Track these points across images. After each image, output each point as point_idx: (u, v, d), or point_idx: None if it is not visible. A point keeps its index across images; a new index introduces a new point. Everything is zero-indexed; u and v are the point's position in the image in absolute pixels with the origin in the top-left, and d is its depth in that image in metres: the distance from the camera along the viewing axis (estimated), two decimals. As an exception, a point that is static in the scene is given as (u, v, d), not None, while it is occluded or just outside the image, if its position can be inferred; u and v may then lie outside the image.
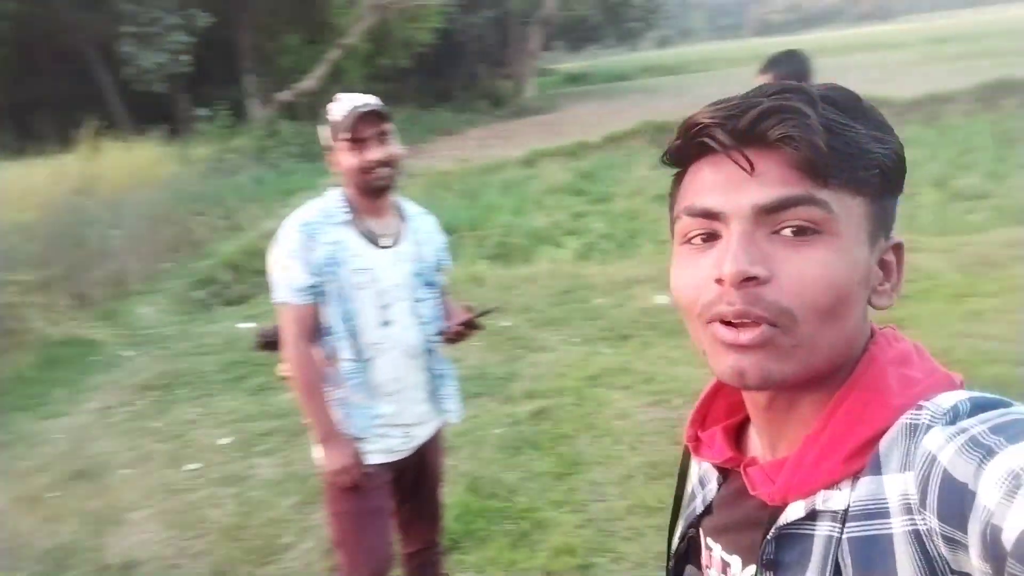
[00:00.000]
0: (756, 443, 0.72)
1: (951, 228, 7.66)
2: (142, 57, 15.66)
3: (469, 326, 2.10)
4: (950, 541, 0.52)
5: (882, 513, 0.56)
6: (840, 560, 0.58)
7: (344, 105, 1.96)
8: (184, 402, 4.81)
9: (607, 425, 3.90)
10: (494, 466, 3.60)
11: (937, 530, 0.52)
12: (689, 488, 0.82)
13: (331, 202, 2.03)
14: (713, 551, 0.74)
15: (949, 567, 0.53)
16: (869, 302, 0.63)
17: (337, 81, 20.95)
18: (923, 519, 0.54)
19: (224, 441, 4.19)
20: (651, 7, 37.67)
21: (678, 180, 0.68)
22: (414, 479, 2.23)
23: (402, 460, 2.14)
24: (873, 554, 0.56)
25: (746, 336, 0.59)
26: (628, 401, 4.15)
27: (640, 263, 6.71)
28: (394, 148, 2.01)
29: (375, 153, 1.95)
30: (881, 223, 0.63)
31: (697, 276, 0.62)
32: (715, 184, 0.62)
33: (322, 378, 2.02)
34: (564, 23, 32.81)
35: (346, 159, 1.97)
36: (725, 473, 0.75)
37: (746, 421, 0.75)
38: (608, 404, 4.14)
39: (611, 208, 9.72)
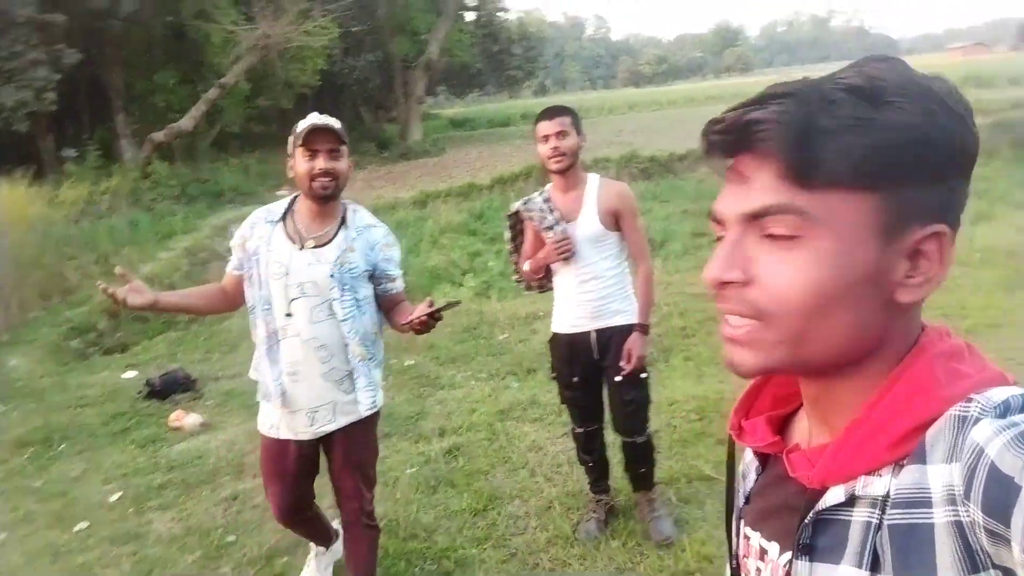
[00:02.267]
0: (800, 433, 0.74)
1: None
2: (3, 94, 14.63)
3: (432, 316, 2.20)
4: (993, 534, 0.52)
5: (925, 502, 0.56)
6: (879, 546, 0.58)
7: (307, 120, 2.32)
8: (66, 458, 4.44)
9: (521, 458, 3.91)
10: (411, 506, 3.53)
11: (980, 523, 0.52)
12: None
13: (278, 204, 2.45)
14: (751, 539, 0.75)
15: (990, 560, 0.53)
16: (893, 296, 0.61)
17: (215, 122, 20.36)
18: (966, 511, 0.54)
19: (114, 497, 3.89)
20: (531, 56, 39.00)
21: None
22: (331, 461, 2.53)
23: (313, 440, 2.47)
24: (913, 543, 0.56)
25: (733, 331, 0.64)
26: (540, 433, 4.18)
27: (540, 299, 6.75)
28: (340, 164, 2.34)
29: (321, 164, 2.29)
30: (903, 213, 0.60)
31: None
32: (723, 191, 0.65)
33: (206, 294, 2.54)
34: (447, 69, 33.34)
35: (298, 165, 2.32)
36: (764, 462, 0.77)
37: (791, 414, 0.76)
38: (521, 437, 4.16)
39: (505, 247, 9.86)
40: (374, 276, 2.43)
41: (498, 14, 35.53)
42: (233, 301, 2.52)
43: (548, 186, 2.99)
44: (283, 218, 2.39)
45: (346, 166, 2.36)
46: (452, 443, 4.14)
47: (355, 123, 26.53)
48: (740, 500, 0.79)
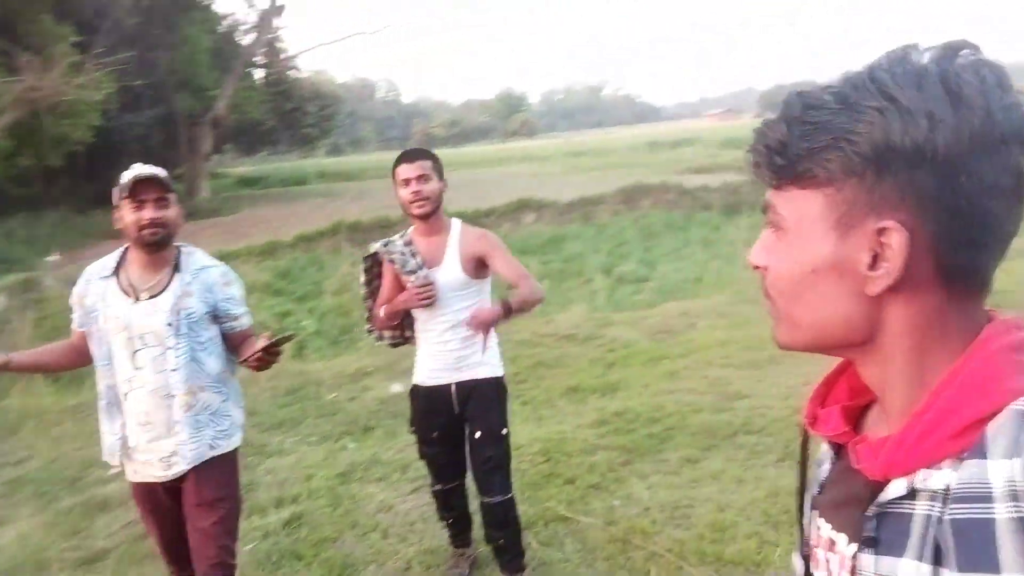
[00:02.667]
0: (872, 424, 0.74)
1: (625, 306, 8.81)
2: None
3: (268, 351, 2.18)
4: None
5: (985, 497, 0.56)
6: (940, 541, 0.58)
7: (131, 171, 2.32)
8: None
9: (371, 521, 3.68)
10: (254, 586, 3.18)
11: None
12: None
13: (109, 258, 2.43)
14: (821, 529, 0.75)
15: None
16: (863, 288, 0.63)
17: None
18: None
19: None
20: (325, 115, 38.60)
21: None
22: (185, 504, 2.48)
23: (169, 483, 2.44)
24: (975, 538, 0.56)
25: (769, 308, 0.72)
26: (387, 493, 3.97)
27: (365, 355, 6.59)
28: (169, 212, 2.34)
29: (149, 214, 2.29)
30: (853, 208, 0.62)
31: None
32: None
33: (58, 351, 2.51)
34: (236, 126, 32.08)
35: (126, 217, 2.31)
36: (839, 452, 0.76)
37: (868, 404, 0.76)
38: (367, 499, 3.92)
39: (319, 305, 9.52)
40: (217, 316, 2.45)
41: (289, 72, 34.93)
42: (86, 355, 2.47)
43: (409, 229, 2.89)
44: (115, 272, 2.40)
45: (175, 213, 2.37)
46: (292, 513, 3.81)
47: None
48: (814, 489, 0.79)
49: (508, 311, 2.69)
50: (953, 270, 0.62)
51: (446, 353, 2.81)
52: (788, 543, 3.04)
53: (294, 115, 35.47)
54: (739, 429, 4.31)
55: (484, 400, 2.83)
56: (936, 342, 0.64)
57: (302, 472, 4.34)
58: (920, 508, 0.61)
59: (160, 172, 2.35)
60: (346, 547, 3.46)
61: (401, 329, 3.00)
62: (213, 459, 2.45)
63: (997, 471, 0.56)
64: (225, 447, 2.48)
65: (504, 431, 2.86)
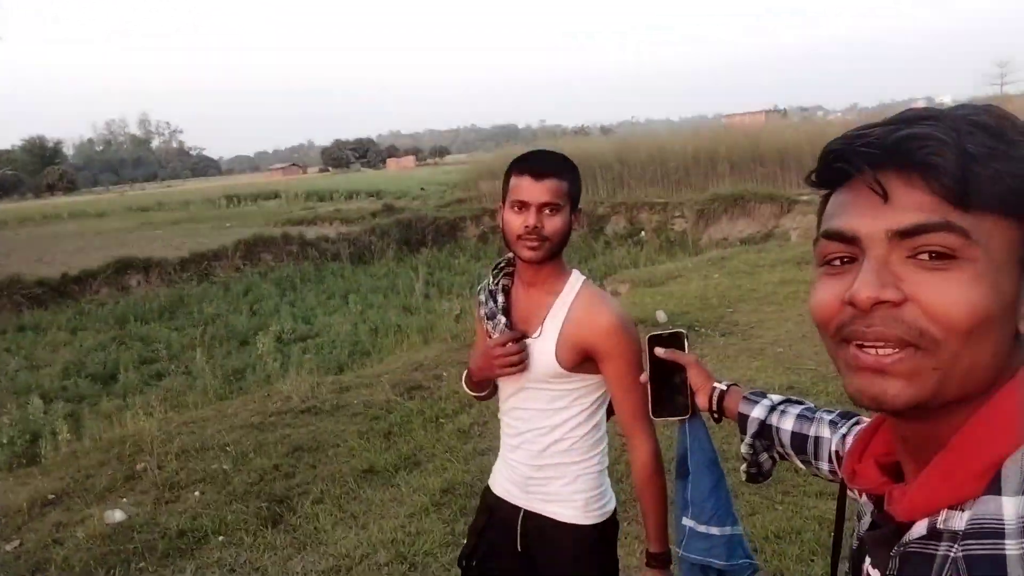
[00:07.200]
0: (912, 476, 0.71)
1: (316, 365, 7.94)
2: None
3: None
4: None
5: (997, 533, 0.57)
6: None
7: None
8: None
9: None
10: None
11: None
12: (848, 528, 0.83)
13: None
14: (866, 566, 0.73)
15: None
16: (1018, 326, 0.62)
17: None
18: None
19: None
20: None
21: (824, 202, 0.70)
22: None
23: None
24: (986, 573, 0.56)
25: (888, 358, 0.61)
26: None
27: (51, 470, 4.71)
28: None
29: None
30: None
31: (832, 297, 0.64)
32: (852, 208, 0.64)
33: None
34: None
35: None
36: (878, 504, 0.74)
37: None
38: None
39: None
40: None
41: None
42: None
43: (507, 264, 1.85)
44: None
45: None
46: None
47: None
48: (855, 542, 0.78)
49: (662, 562, 1.70)
50: None
51: (515, 465, 1.84)
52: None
53: None
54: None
55: (553, 552, 1.79)
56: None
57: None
58: (941, 549, 0.61)
59: None
60: None
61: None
62: None
63: (1010, 507, 0.57)
64: None
65: None
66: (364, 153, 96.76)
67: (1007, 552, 0.55)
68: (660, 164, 18.71)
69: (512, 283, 1.81)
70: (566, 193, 1.66)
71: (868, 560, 0.73)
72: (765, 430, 1.21)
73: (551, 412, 1.74)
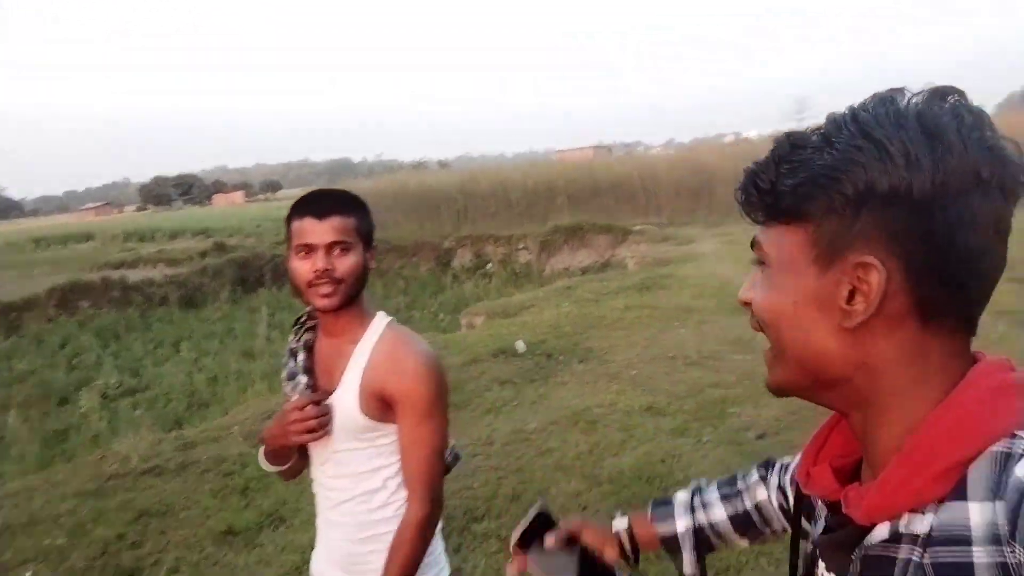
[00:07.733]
0: (866, 478, 0.72)
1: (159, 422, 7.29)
2: None
3: None
4: None
5: (964, 540, 0.56)
6: None
7: None
8: None
9: None
10: None
11: None
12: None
13: None
14: (820, 570, 0.75)
15: None
16: (840, 322, 0.65)
17: None
18: (1012, 551, 0.54)
19: None
20: None
21: None
22: None
23: None
24: None
25: (766, 351, 0.73)
26: None
27: None
28: None
29: None
30: (833, 244, 0.64)
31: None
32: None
33: None
34: None
35: None
36: (833, 508, 0.74)
37: (860, 459, 0.74)
38: None
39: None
40: None
41: None
42: None
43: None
44: None
45: None
46: None
47: None
48: (808, 546, 0.79)
49: None
50: (931, 307, 0.62)
51: (334, 542, 1.67)
52: None
53: None
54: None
55: None
56: (916, 382, 0.64)
57: None
58: (903, 552, 0.61)
59: None
60: None
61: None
62: None
63: (978, 514, 0.57)
64: None
65: None
66: (188, 189, 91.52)
67: (975, 560, 0.55)
68: (502, 197, 19.12)
69: (315, 337, 1.66)
70: (354, 230, 1.54)
71: (823, 564, 0.73)
72: (701, 536, 1.09)
73: (369, 474, 1.59)
